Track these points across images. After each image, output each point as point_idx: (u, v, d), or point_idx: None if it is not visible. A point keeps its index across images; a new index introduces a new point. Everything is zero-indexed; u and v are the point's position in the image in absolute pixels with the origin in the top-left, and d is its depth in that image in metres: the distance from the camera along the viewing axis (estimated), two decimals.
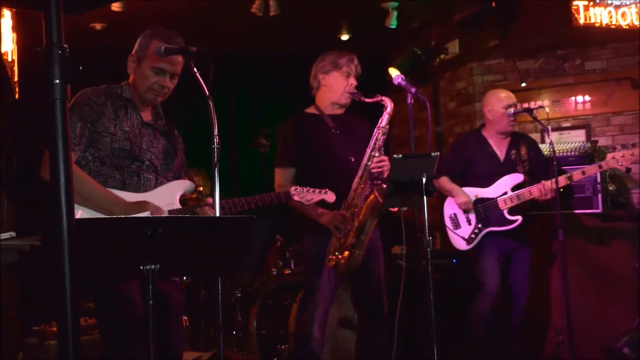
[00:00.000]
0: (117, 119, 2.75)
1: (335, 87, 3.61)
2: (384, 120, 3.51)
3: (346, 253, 3.42)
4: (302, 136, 3.59)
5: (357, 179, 3.47)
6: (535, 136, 5.57)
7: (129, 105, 2.82)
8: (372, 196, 3.45)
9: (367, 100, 3.53)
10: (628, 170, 4.17)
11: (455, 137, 5.81)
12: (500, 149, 4.37)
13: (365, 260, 3.49)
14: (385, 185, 3.39)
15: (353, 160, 3.56)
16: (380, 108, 3.55)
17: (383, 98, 3.51)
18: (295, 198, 3.12)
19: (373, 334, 3.61)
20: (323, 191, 3.16)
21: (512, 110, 4.29)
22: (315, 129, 3.60)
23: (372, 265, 3.58)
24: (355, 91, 3.59)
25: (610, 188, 4.93)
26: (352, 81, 3.61)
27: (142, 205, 2.65)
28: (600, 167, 4.12)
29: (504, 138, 4.39)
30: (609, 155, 4.11)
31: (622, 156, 4.04)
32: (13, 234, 2.87)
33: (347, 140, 3.60)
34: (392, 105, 3.52)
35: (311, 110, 3.70)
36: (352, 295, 3.72)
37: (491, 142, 4.39)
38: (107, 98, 2.77)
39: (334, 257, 3.42)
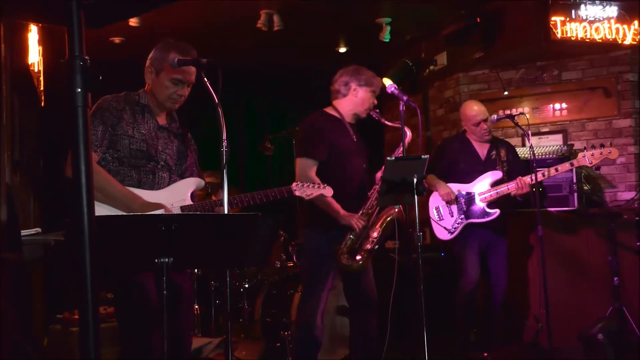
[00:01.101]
0: (135, 123, 2.75)
1: (363, 101, 3.59)
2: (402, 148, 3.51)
3: (363, 255, 3.44)
4: (328, 134, 3.53)
5: (376, 192, 3.46)
6: (516, 140, 5.57)
7: (145, 111, 2.81)
8: (390, 215, 3.49)
9: (387, 123, 3.57)
10: (597, 168, 4.17)
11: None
12: (481, 150, 4.41)
13: None
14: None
15: (365, 166, 3.61)
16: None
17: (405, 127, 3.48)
18: (297, 193, 3.05)
19: (365, 323, 3.56)
20: (322, 186, 3.10)
21: (494, 117, 4.35)
22: (340, 131, 3.57)
23: None
24: (377, 111, 3.61)
25: (586, 187, 4.93)
26: (375, 101, 3.64)
27: (158, 206, 2.66)
28: (571, 164, 4.14)
29: (485, 142, 4.41)
30: (580, 154, 4.13)
31: (592, 155, 4.06)
32: (39, 229, 2.87)
33: (361, 149, 3.64)
34: (411, 134, 3.50)
35: (332, 112, 3.64)
36: (345, 287, 3.65)
37: (474, 143, 4.43)
38: (126, 104, 2.77)
39: (349, 257, 3.42)
